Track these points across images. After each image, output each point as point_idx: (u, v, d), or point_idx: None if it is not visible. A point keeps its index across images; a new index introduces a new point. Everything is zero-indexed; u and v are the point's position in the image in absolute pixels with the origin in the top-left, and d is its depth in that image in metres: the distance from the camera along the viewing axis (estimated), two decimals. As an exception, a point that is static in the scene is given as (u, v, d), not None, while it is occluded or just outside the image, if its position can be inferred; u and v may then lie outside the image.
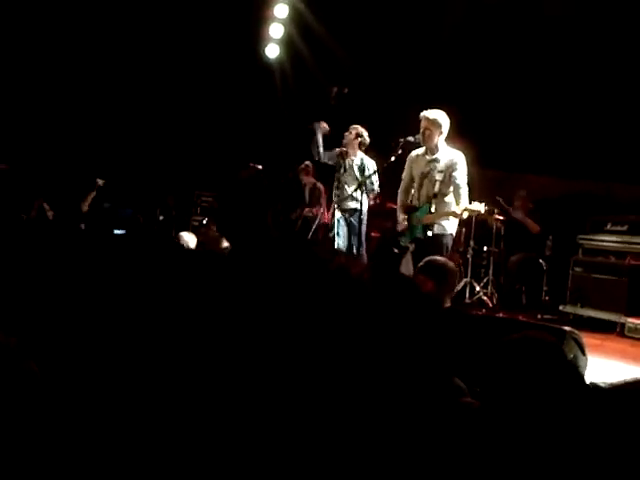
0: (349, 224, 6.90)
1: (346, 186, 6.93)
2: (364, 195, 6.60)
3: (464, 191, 5.28)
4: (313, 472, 1.01)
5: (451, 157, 5.34)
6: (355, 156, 6.95)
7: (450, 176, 5.29)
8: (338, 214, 6.96)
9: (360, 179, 6.66)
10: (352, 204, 6.86)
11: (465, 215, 5.33)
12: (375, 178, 6.75)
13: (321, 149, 7.19)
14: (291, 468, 1.02)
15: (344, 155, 6.93)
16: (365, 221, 6.86)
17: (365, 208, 6.77)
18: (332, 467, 1.04)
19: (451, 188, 5.31)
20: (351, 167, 6.95)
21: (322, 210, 8.10)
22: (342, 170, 6.96)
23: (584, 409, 1.10)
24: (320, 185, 8.26)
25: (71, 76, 8.89)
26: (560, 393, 1.13)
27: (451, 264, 3.77)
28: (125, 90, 9.23)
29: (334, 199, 7.02)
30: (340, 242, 6.81)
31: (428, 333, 1.37)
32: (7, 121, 8.50)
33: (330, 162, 7.13)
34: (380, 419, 1.17)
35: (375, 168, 6.73)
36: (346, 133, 7.00)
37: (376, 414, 1.16)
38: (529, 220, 7.68)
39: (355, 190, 6.72)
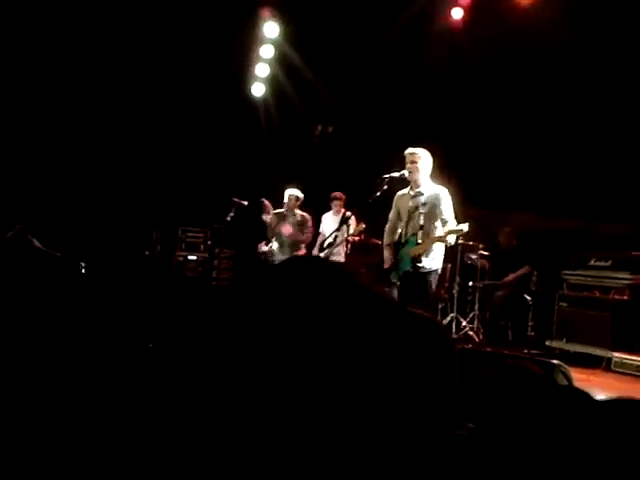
0: None
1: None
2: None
3: (450, 222, 5.38)
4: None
5: (435, 191, 5.51)
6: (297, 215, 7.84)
7: (434, 211, 5.39)
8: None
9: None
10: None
11: (451, 239, 5.43)
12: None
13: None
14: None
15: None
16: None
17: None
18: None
19: (437, 222, 5.43)
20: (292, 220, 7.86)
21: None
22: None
23: (584, 427, 1.10)
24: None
25: (55, 109, 8.92)
26: (556, 421, 1.13)
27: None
28: (113, 124, 9.27)
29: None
30: None
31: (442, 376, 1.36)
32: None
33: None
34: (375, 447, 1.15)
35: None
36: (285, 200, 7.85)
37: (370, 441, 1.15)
38: (518, 273, 7.68)
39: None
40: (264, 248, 8.13)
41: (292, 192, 7.92)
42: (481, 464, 1.19)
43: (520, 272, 7.66)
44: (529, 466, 1.11)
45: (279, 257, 7.71)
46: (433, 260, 5.44)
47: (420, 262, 5.34)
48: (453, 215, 5.45)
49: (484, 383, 1.48)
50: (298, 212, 8.01)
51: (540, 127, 8.11)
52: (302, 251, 7.98)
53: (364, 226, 7.22)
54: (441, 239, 5.38)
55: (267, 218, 8.11)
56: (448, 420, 1.26)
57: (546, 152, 8.06)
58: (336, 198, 8.12)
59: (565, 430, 1.18)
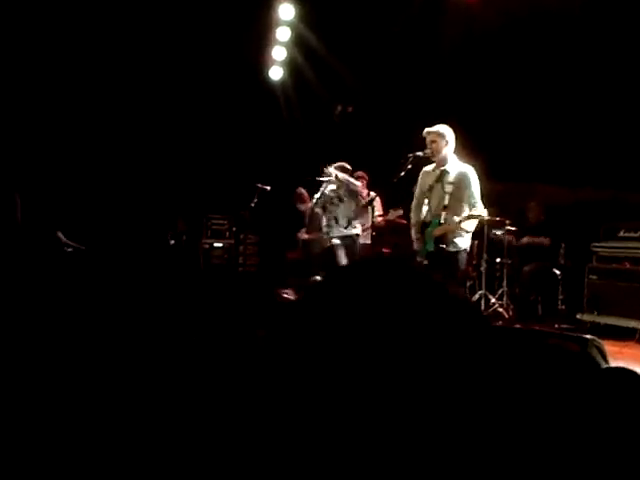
0: (345, 247, 6.98)
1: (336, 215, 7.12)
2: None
3: (479, 205, 5.28)
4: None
5: (462, 170, 5.35)
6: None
7: (461, 191, 5.28)
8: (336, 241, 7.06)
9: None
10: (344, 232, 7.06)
11: (469, 224, 5.28)
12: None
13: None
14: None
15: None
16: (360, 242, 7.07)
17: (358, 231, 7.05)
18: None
19: (464, 203, 5.30)
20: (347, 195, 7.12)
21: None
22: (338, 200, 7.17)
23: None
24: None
25: (80, 99, 8.98)
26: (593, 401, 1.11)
27: None
28: (135, 114, 9.31)
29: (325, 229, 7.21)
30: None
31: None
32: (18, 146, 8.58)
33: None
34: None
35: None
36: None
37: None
38: (537, 239, 7.64)
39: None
40: (304, 236, 8.19)
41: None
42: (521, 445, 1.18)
43: (538, 240, 7.61)
44: (571, 447, 1.10)
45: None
46: (461, 239, 5.32)
47: (443, 243, 5.26)
48: (480, 197, 5.32)
49: (523, 363, 1.45)
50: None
51: (564, 96, 7.96)
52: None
53: (401, 212, 7.21)
54: (459, 227, 5.24)
55: (303, 207, 8.20)
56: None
57: (571, 122, 7.92)
58: (359, 177, 8.04)
59: (612, 413, 1.16)
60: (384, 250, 7.78)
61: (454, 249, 5.28)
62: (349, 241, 7.01)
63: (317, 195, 7.17)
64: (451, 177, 5.31)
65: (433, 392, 1.00)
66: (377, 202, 6.82)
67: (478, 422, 1.02)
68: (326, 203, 7.15)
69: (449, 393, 1.02)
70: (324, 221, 7.20)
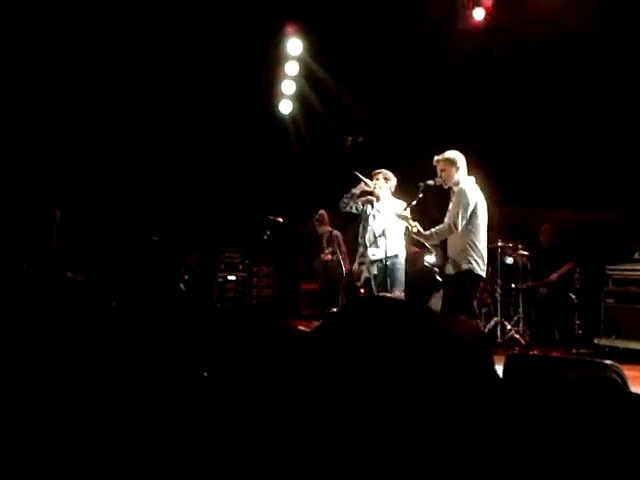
0: (377, 277, 6.32)
1: (372, 234, 6.39)
2: (395, 240, 6.17)
3: (448, 218, 5.30)
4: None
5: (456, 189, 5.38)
6: (386, 202, 6.34)
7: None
8: (365, 271, 6.41)
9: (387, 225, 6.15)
10: (379, 253, 6.28)
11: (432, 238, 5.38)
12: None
13: (350, 201, 6.53)
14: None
15: (372, 202, 6.39)
16: (400, 268, 6.28)
17: (397, 253, 6.23)
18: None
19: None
20: (381, 214, 6.32)
21: (342, 255, 8.14)
22: (371, 219, 6.39)
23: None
24: (337, 232, 8.32)
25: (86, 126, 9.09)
26: (628, 429, 1.12)
27: None
28: (147, 150, 9.43)
29: (360, 249, 6.46)
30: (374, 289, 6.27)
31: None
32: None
33: (352, 210, 6.55)
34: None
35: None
36: (373, 181, 6.42)
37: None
38: (564, 268, 7.57)
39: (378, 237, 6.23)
40: (328, 257, 8.26)
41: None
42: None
43: (564, 269, 7.54)
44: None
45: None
46: (469, 263, 5.23)
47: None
48: (456, 213, 5.21)
49: (552, 393, 1.45)
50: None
51: (574, 120, 8.01)
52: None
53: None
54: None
55: (321, 230, 8.31)
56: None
57: (581, 145, 7.95)
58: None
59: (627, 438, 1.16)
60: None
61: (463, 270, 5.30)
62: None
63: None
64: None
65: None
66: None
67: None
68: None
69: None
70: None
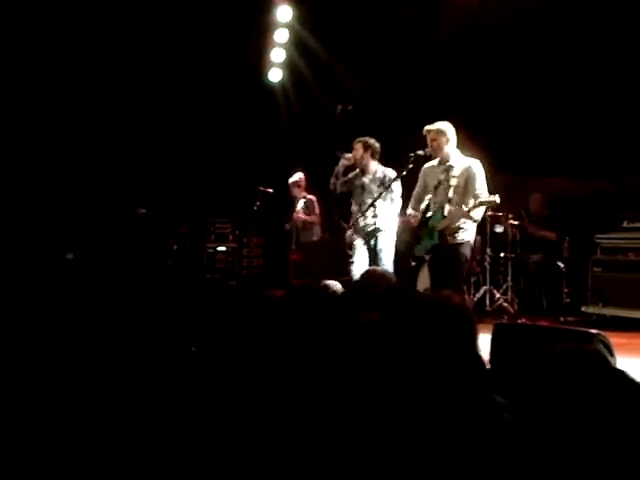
0: (370, 248, 6.14)
1: (361, 206, 6.19)
2: (386, 211, 6.05)
3: (486, 195, 5.19)
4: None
5: (467, 164, 5.31)
6: (372, 170, 6.22)
7: (467, 185, 5.26)
8: (359, 240, 6.22)
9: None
10: (372, 225, 6.11)
11: (478, 214, 5.16)
12: (396, 186, 6.04)
13: (337, 181, 6.39)
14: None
15: (358, 174, 6.26)
16: (391, 243, 6.11)
17: (388, 226, 6.08)
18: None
19: (469, 197, 5.21)
20: (371, 183, 6.20)
21: (315, 219, 8.23)
22: (360, 191, 6.24)
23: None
24: (312, 197, 8.30)
25: (84, 103, 9.00)
26: (611, 404, 1.13)
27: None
28: (134, 120, 9.35)
29: (355, 224, 6.23)
30: (355, 271, 6.08)
31: (462, 351, 1.38)
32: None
33: (343, 189, 6.39)
34: (417, 437, 1.17)
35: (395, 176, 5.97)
36: (353, 152, 6.27)
37: (412, 432, 1.17)
38: (545, 232, 7.68)
39: (371, 206, 5.99)
40: (301, 217, 8.35)
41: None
42: (530, 448, 1.20)
43: (542, 233, 7.64)
44: (580, 450, 1.12)
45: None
46: (465, 232, 5.27)
47: (449, 236, 5.23)
48: (486, 189, 5.24)
49: (536, 365, 1.45)
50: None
51: (565, 88, 7.97)
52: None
53: None
54: (467, 215, 5.13)
55: (299, 193, 8.35)
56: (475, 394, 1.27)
57: (572, 114, 7.92)
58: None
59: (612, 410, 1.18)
60: None
61: (458, 241, 5.26)
62: None
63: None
64: (456, 171, 5.28)
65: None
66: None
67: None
68: None
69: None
70: None
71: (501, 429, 1.28)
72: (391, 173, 6.05)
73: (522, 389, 1.33)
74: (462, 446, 1.18)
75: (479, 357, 1.47)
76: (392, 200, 6.07)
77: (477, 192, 5.19)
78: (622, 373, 1.32)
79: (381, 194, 5.97)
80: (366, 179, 6.24)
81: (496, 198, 5.08)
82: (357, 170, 6.30)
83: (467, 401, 1.31)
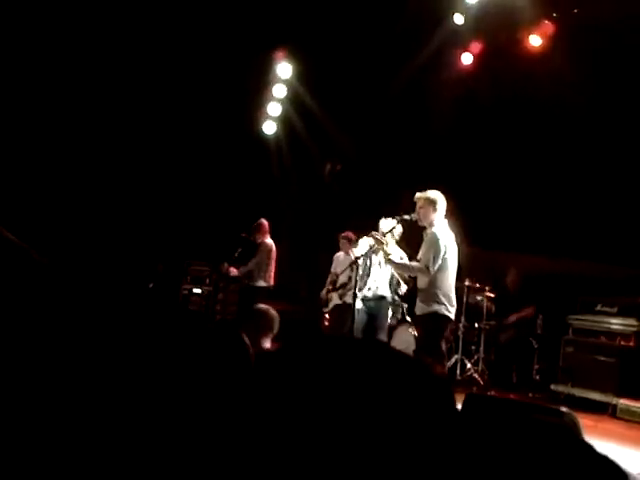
0: (371, 314, 6.52)
1: (372, 278, 6.53)
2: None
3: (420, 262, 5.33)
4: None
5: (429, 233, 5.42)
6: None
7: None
8: (359, 303, 6.38)
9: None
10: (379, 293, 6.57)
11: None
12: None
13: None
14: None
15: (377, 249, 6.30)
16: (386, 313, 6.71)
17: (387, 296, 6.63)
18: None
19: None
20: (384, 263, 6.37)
21: (257, 267, 8.18)
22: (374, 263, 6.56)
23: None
24: (268, 242, 8.25)
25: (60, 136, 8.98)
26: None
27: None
28: (126, 159, 9.38)
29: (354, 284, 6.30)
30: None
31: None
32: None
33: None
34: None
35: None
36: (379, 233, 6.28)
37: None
38: (522, 313, 7.75)
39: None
40: (233, 272, 8.31)
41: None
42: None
43: (523, 313, 7.70)
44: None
45: None
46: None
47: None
48: (430, 257, 5.23)
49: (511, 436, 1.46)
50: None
51: (546, 171, 8.21)
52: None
53: None
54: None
55: (259, 240, 8.31)
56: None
57: (552, 196, 8.15)
58: (345, 238, 7.97)
59: None
60: None
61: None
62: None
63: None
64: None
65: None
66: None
67: None
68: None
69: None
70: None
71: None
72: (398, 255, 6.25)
73: (490, 461, 1.34)
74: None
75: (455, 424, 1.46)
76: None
77: (418, 257, 5.36)
78: (591, 447, 1.35)
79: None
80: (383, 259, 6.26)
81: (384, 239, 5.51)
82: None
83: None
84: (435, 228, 5.34)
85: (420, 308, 5.30)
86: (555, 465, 1.24)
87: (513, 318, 7.71)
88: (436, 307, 5.22)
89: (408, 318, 5.48)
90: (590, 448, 1.39)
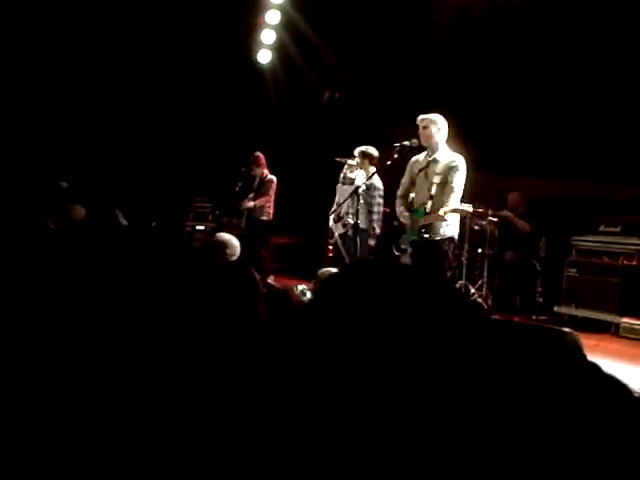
0: (347, 238, 6.79)
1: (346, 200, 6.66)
2: (364, 212, 6.62)
3: (455, 196, 5.25)
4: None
5: (451, 159, 5.31)
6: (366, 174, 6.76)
7: (446, 180, 5.28)
8: (340, 228, 6.93)
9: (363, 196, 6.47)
10: (351, 219, 6.65)
11: (453, 216, 5.28)
12: (377, 194, 6.76)
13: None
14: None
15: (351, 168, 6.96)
16: (370, 240, 6.82)
17: (366, 225, 6.73)
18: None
19: (447, 192, 5.27)
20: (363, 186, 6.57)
21: (267, 202, 8.23)
22: (344, 183, 6.94)
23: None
24: (271, 177, 8.29)
25: (68, 80, 8.85)
26: (584, 395, 1.14)
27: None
28: (121, 97, 9.22)
29: (334, 209, 6.94)
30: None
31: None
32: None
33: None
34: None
35: (379, 186, 6.75)
36: (356, 160, 6.91)
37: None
38: (518, 219, 7.75)
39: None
40: (250, 204, 8.30)
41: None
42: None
43: (522, 223, 7.71)
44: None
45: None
46: (447, 227, 5.29)
47: (427, 232, 5.24)
48: (461, 188, 5.28)
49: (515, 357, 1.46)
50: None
51: (550, 89, 8.02)
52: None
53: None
54: (442, 218, 5.19)
55: (258, 172, 8.26)
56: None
57: (557, 115, 7.99)
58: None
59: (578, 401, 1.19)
60: None
61: (439, 237, 5.28)
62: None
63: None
64: (439, 167, 5.29)
65: (431, 389, 1.03)
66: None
67: (475, 419, 1.04)
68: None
69: (447, 390, 1.03)
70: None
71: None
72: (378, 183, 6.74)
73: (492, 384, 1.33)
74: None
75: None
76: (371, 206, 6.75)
77: (452, 186, 5.23)
78: (595, 366, 1.34)
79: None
80: (363, 183, 6.57)
81: (468, 208, 5.31)
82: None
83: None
84: (444, 153, 5.32)
85: (447, 230, 5.29)
86: (558, 384, 1.24)
87: (505, 212, 7.77)
88: (453, 230, 5.33)
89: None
90: (594, 367, 1.38)
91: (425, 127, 5.29)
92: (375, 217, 6.88)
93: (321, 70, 9.49)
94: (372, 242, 6.90)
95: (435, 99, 7.32)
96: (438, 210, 5.19)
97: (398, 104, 8.50)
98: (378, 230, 6.91)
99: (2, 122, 8.42)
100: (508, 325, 3.69)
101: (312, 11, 9.21)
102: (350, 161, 7.00)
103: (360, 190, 6.18)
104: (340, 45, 9.10)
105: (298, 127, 9.46)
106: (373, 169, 6.60)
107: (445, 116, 5.46)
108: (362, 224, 6.50)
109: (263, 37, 9.58)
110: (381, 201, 6.89)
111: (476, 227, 8.04)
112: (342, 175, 7.16)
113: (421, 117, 5.34)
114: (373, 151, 6.86)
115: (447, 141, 5.44)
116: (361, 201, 6.28)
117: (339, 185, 7.81)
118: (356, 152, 6.93)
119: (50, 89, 8.83)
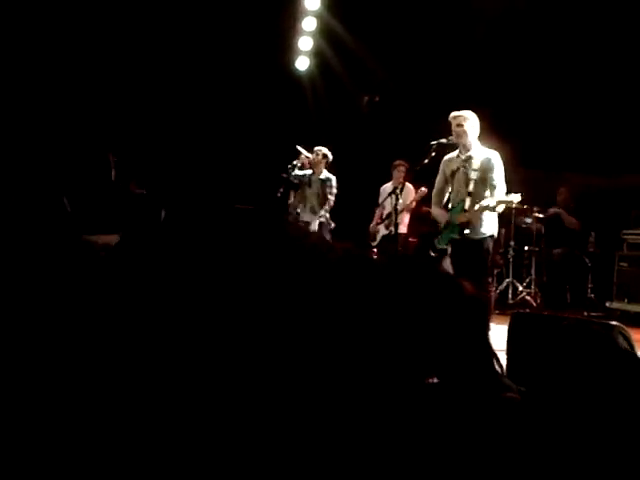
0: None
1: (309, 202, 7.60)
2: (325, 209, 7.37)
3: (500, 190, 5.19)
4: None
5: (487, 156, 5.25)
6: (320, 173, 7.56)
7: (485, 176, 5.22)
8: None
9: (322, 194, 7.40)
10: (316, 219, 7.47)
11: (500, 208, 5.20)
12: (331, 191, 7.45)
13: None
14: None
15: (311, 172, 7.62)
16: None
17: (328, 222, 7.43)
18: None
19: (487, 189, 5.20)
20: (316, 182, 7.55)
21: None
22: (307, 186, 7.62)
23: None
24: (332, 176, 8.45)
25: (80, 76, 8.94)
26: (615, 385, 1.13)
27: None
28: (158, 103, 9.38)
29: (295, 213, 7.75)
30: None
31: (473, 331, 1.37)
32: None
33: (295, 180, 7.77)
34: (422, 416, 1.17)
35: (335, 184, 7.45)
36: (312, 155, 7.60)
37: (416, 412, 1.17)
38: (567, 216, 7.59)
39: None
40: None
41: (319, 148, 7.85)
42: (533, 427, 1.19)
43: (572, 219, 7.54)
44: (582, 430, 1.11)
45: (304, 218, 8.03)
46: (487, 225, 5.23)
47: (468, 229, 5.18)
48: (504, 182, 5.22)
49: (547, 343, 1.45)
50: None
51: (596, 84, 7.85)
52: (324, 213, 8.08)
53: (425, 190, 7.09)
54: (489, 209, 5.14)
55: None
56: (484, 379, 1.27)
57: (602, 110, 7.81)
58: (400, 165, 7.63)
59: (623, 396, 1.17)
60: (409, 240, 7.77)
61: (480, 236, 5.22)
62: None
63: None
64: (476, 163, 5.23)
65: None
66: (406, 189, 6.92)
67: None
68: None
69: None
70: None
71: (501, 407, 1.28)
72: (333, 178, 7.54)
73: (538, 377, 1.32)
74: (462, 424, 1.18)
75: (486, 342, 1.46)
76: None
77: (493, 183, 5.16)
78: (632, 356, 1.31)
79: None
80: (314, 178, 7.60)
81: (516, 198, 5.10)
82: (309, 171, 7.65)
83: (471, 378, 1.31)
84: (478, 149, 5.27)
85: (487, 228, 5.22)
86: (601, 376, 1.22)
87: (552, 210, 7.62)
88: (493, 228, 5.24)
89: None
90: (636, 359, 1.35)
91: (459, 124, 5.24)
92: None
93: (359, 75, 9.49)
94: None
95: (478, 96, 7.23)
96: (477, 209, 5.13)
97: (438, 105, 8.42)
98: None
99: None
100: (551, 319, 3.61)
101: (348, 16, 9.23)
102: (306, 154, 7.68)
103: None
104: (378, 48, 9.09)
105: (337, 133, 9.48)
106: (326, 172, 7.51)
107: (487, 114, 5.40)
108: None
109: (300, 44, 9.65)
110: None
111: (523, 225, 7.93)
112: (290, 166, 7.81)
113: (454, 114, 5.29)
114: (330, 156, 7.62)
115: (489, 138, 5.40)
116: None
117: (383, 187, 7.79)
118: (318, 150, 7.59)
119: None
